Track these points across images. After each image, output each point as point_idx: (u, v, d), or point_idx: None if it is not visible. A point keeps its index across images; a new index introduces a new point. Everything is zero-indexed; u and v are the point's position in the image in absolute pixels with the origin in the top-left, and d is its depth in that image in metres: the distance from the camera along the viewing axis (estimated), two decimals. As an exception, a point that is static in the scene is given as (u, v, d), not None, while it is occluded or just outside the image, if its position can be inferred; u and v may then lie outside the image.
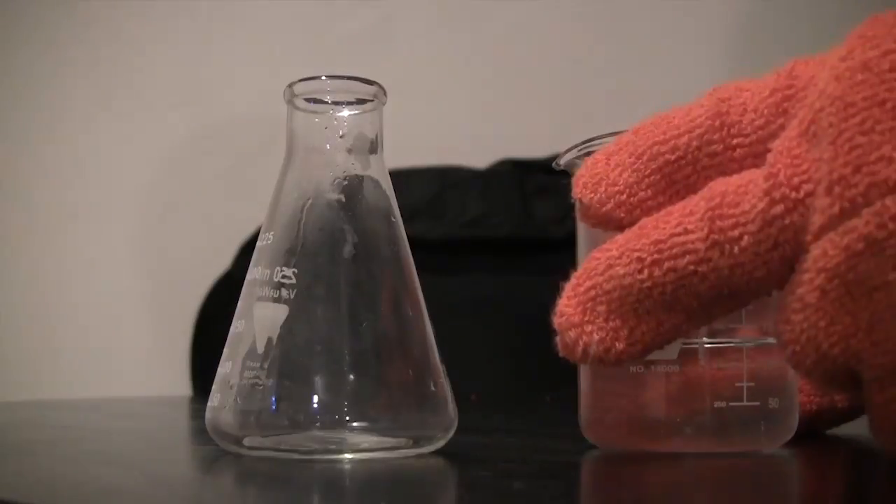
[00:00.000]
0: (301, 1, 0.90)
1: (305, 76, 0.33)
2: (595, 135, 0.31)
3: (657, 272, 0.25)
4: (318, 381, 0.31)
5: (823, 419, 0.36)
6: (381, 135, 0.35)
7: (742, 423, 0.31)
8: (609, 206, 0.27)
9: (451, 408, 0.33)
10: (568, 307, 0.27)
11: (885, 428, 0.24)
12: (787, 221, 0.23)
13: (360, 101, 0.34)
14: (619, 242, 0.26)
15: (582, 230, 0.33)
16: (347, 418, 0.30)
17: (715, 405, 0.30)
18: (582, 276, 0.27)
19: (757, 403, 0.30)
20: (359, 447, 0.30)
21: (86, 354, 0.83)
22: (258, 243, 0.34)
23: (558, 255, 0.78)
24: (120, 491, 0.27)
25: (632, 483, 0.29)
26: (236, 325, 0.33)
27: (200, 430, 0.34)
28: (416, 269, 0.34)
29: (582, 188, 0.28)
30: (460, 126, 0.89)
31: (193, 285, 0.80)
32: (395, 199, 0.34)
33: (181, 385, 0.81)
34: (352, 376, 0.31)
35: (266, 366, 0.31)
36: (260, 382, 0.31)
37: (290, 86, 0.34)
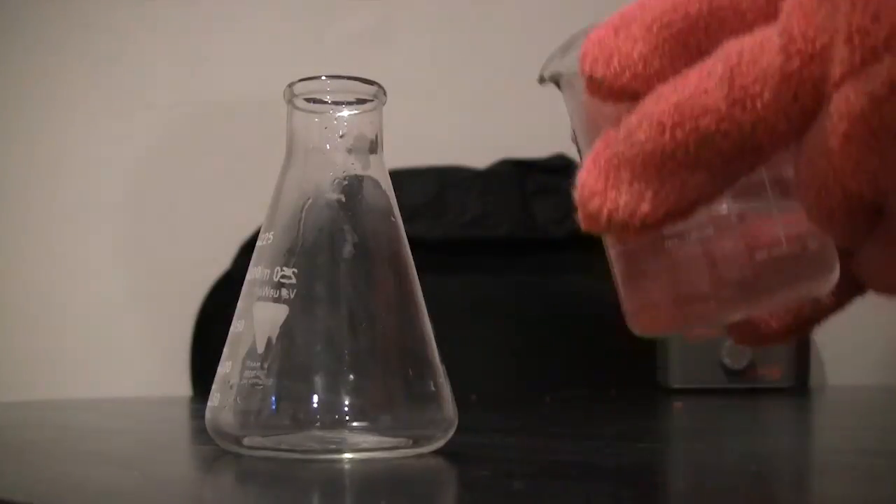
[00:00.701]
0: (301, 1, 0.90)
1: (305, 76, 0.33)
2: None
3: (680, 134, 0.25)
4: (318, 380, 0.31)
5: (808, 318, 0.35)
6: (380, 135, 0.35)
7: (786, 270, 0.30)
8: (625, 78, 0.27)
9: (451, 408, 0.33)
10: (589, 178, 0.27)
11: None
12: (804, 74, 0.23)
13: (360, 101, 0.34)
14: (636, 112, 0.26)
15: (579, 120, 0.32)
16: (347, 418, 0.30)
17: (756, 257, 0.30)
18: (600, 146, 0.27)
19: (797, 247, 0.30)
20: (359, 447, 0.30)
21: (85, 354, 0.83)
22: (258, 243, 0.34)
23: (558, 255, 0.78)
24: (120, 491, 0.27)
25: (633, 482, 0.29)
26: (236, 325, 0.33)
27: (200, 430, 0.34)
28: (416, 269, 0.34)
29: (592, 63, 0.28)
30: (460, 126, 0.89)
31: (193, 285, 0.80)
32: (395, 199, 0.34)
33: (181, 385, 0.81)
34: (352, 376, 0.31)
35: (266, 366, 0.31)
36: (260, 382, 0.31)
37: (290, 86, 0.34)
